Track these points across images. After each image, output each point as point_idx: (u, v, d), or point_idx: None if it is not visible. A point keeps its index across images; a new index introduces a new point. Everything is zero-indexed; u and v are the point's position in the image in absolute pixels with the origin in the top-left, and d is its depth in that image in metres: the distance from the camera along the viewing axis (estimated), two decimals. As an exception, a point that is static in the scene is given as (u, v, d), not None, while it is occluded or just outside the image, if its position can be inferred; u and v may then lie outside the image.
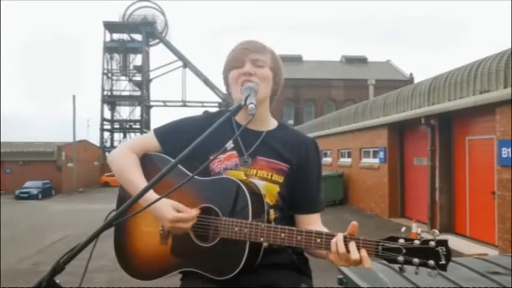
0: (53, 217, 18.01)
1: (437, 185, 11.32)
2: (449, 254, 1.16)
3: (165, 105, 52.05)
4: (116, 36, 51.64)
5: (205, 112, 1.74)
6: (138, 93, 51.72)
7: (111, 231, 1.44)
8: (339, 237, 1.25)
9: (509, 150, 8.19)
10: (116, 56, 51.79)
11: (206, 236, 1.40)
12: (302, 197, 1.54)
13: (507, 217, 8.21)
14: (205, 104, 48.88)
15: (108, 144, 49.57)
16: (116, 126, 52.60)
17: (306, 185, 1.54)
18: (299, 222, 1.54)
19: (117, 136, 52.34)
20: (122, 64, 52.18)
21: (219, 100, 48.01)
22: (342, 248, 1.23)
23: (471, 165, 10.40)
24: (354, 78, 37.61)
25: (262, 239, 1.33)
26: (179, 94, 52.24)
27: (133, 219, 1.50)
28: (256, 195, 1.41)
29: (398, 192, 14.17)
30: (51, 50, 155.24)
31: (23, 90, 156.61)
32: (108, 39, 50.77)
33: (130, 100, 52.66)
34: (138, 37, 51.44)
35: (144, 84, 51.07)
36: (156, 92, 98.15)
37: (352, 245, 1.22)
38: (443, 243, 1.17)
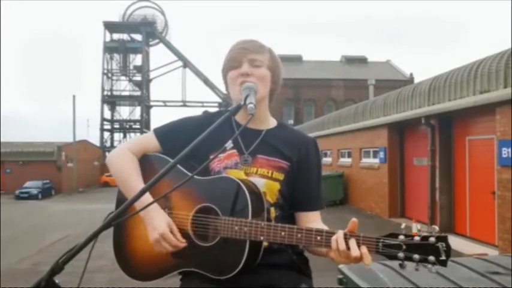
0: (53, 217, 18.01)
1: (437, 185, 11.32)
2: (449, 249, 1.16)
3: (165, 105, 52.07)
4: (116, 36, 51.68)
5: (205, 112, 1.74)
6: (138, 93, 51.74)
7: (110, 231, 1.44)
8: (339, 235, 1.25)
9: (509, 150, 8.19)
10: (116, 56, 51.80)
11: (206, 236, 1.40)
12: (302, 196, 1.54)
13: (507, 217, 8.21)
14: (205, 104, 48.94)
15: (108, 144, 49.59)
16: (116, 126, 52.62)
17: (306, 184, 1.54)
18: (299, 221, 1.54)
19: (117, 136, 52.43)
20: (122, 64, 52.19)
21: (219, 100, 48.02)
22: (342, 245, 1.23)
23: (471, 165, 10.40)
24: (354, 78, 37.61)
25: (262, 238, 1.33)
26: (179, 94, 52.33)
27: (133, 220, 1.50)
28: (256, 195, 1.41)
29: (399, 192, 14.17)
30: (51, 50, 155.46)
31: (23, 90, 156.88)
32: (108, 39, 50.80)
33: (130, 100, 52.68)
34: (138, 37, 51.46)
35: (144, 84, 51.08)
36: (156, 92, 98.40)
37: (353, 242, 1.22)
38: (443, 239, 1.17)
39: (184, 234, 1.42)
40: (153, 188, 1.22)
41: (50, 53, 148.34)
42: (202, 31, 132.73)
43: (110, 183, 35.69)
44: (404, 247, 1.18)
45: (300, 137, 1.60)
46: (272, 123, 1.60)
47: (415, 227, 8.73)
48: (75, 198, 28.59)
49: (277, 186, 1.49)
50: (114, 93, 51.91)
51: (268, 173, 1.50)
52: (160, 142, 1.57)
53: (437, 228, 1.20)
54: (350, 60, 42.96)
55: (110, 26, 50.31)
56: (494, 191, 8.95)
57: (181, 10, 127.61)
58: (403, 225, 1.25)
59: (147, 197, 1.29)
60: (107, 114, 51.36)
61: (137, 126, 51.68)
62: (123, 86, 52.69)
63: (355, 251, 1.21)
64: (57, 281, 1.06)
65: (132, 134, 50.54)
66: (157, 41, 52.42)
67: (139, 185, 1.44)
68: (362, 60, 43.37)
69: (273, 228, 1.32)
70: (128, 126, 52.94)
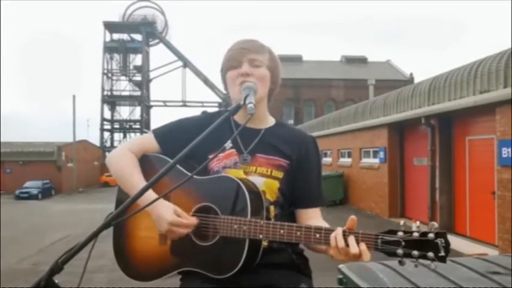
0: (53, 217, 18.02)
1: (437, 185, 11.32)
2: (448, 245, 1.16)
3: (165, 105, 52.08)
4: (116, 36, 51.71)
5: (204, 112, 1.74)
6: (138, 93, 51.75)
7: (110, 231, 1.44)
8: (338, 232, 1.25)
9: (509, 150, 8.19)
10: (116, 56, 51.82)
11: (205, 235, 1.40)
12: (302, 193, 1.54)
13: (507, 217, 8.21)
14: (205, 104, 48.97)
15: (108, 144, 49.60)
16: (116, 126, 52.64)
17: (306, 181, 1.55)
18: (299, 218, 1.54)
19: (117, 136, 52.46)
20: (122, 64, 52.21)
21: (219, 100, 48.03)
22: (341, 242, 1.23)
23: (471, 165, 10.40)
24: (354, 78, 37.60)
25: (261, 236, 1.33)
26: (179, 94, 52.34)
27: (132, 220, 1.50)
28: (255, 193, 1.41)
29: (398, 192, 14.17)
30: (51, 50, 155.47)
31: (23, 90, 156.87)
32: (108, 39, 50.83)
33: (131, 100, 52.69)
34: (138, 37, 51.48)
35: (144, 84, 51.09)
36: (156, 92, 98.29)
37: (351, 239, 1.22)
38: (442, 235, 1.16)
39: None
40: (153, 188, 1.22)
41: (50, 53, 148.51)
42: (202, 31, 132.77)
43: (110, 183, 35.70)
44: (403, 243, 1.18)
45: (299, 135, 1.60)
46: (271, 121, 1.61)
47: (415, 227, 8.68)
48: (75, 198, 28.60)
49: (276, 184, 1.49)
50: (114, 93, 51.92)
51: (267, 171, 1.50)
52: (159, 142, 1.57)
53: (436, 224, 1.19)
54: (350, 60, 42.94)
55: (110, 26, 50.32)
56: (494, 191, 8.95)
57: (181, 10, 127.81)
58: (402, 222, 1.25)
59: (150, 194, 1.29)
60: (107, 114, 51.47)
61: (137, 126, 51.69)
62: (123, 86, 52.79)
63: (354, 248, 1.21)
64: (56, 281, 1.06)
65: (132, 134, 50.56)
66: (157, 41, 52.43)
67: (142, 182, 1.44)
68: (362, 60, 43.36)
69: (272, 227, 1.32)
70: (128, 126, 52.95)
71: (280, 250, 1.48)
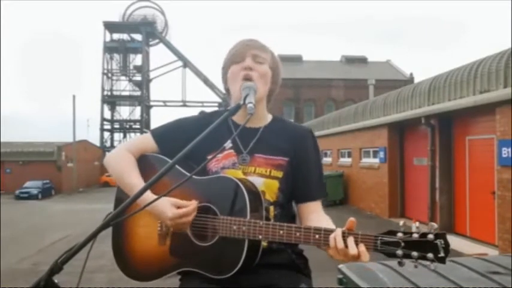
0: (53, 217, 18.01)
1: (437, 185, 11.32)
2: (448, 246, 1.16)
3: (165, 105, 52.06)
4: (116, 36, 51.66)
5: (202, 112, 1.74)
6: (138, 93, 51.72)
7: (110, 231, 1.44)
8: (337, 233, 1.24)
9: (509, 150, 8.19)
10: (116, 56, 51.78)
11: (205, 235, 1.40)
12: (302, 188, 1.54)
13: (507, 217, 8.20)
14: (205, 104, 48.91)
15: (108, 144, 49.58)
16: (116, 126, 52.60)
17: (306, 176, 1.54)
18: (301, 213, 1.55)
19: (117, 136, 52.40)
20: (122, 64, 52.17)
21: (219, 100, 48.01)
22: (340, 244, 1.22)
23: (471, 165, 10.40)
24: (354, 78, 37.58)
25: (260, 237, 1.33)
26: (179, 94, 52.33)
27: (131, 220, 1.50)
28: (254, 194, 1.41)
29: (398, 192, 14.17)
30: (51, 50, 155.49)
31: (23, 90, 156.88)
32: (108, 39, 50.78)
33: (131, 100, 52.66)
34: (138, 37, 51.44)
35: (144, 84, 51.08)
36: (156, 92, 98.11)
37: (351, 240, 1.22)
38: (442, 236, 1.16)
39: (183, 234, 1.42)
40: (151, 188, 1.21)
41: (50, 53, 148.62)
42: (202, 31, 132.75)
43: (110, 183, 35.67)
44: (402, 244, 1.18)
45: (296, 128, 1.60)
46: (268, 118, 1.60)
47: (415, 227, 8.68)
48: (75, 198, 28.59)
49: (276, 184, 1.49)
50: (114, 93, 51.89)
51: (266, 171, 1.49)
52: (157, 142, 1.57)
53: (435, 225, 1.19)
54: (350, 60, 42.92)
55: (110, 26, 50.30)
56: (494, 191, 8.95)
57: (181, 10, 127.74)
58: (401, 223, 1.25)
59: (149, 195, 1.29)
60: (107, 114, 51.41)
61: (137, 126, 51.67)
62: (123, 86, 52.74)
63: (352, 249, 1.21)
64: (56, 281, 1.06)
65: (132, 134, 50.53)
66: (157, 41, 52.40)
67: (140, 183, 1.44)
68: (362, 60, 43.34)
69: (271, 227, 1.32)
70: (128, 126, 52.92)
71: (279, 250, 1.47)
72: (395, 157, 14.15)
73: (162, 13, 52.49)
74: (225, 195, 1.40)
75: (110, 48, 50.60)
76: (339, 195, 17.45)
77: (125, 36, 51.78)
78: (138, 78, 51.91)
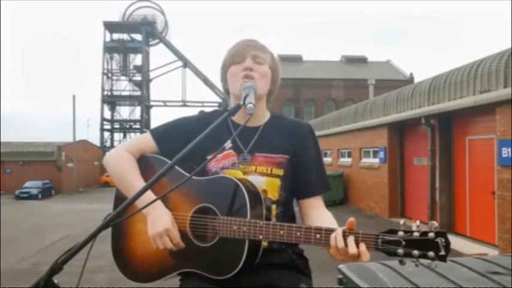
0: (53, 217, 18.01)
1: (437, 185, 11.32)
2: (448, 245, 1.16)
3: (165, 105, 52.05)
4: (116, 36, 51.66)
5: (201, 112, 1.74)
6: (138, 93, 51.72)
7: (109, 231, 1.43)
8: (338, 232, 1.24)
9: (509, 150, 8.19)
10: (116, 56, 51.78)
11: (205, 236, 1.40)
12: (303, 184, 1.54)
13: (507, 217, 8.20)
14: (205, 104, 48.89)
15: (108, 144, 49.56)
16: (116, 126, 52.60)
17: (306, 173, 1.54)
18: (303, 209, 1.55)
19: (117, 136, 52.40)
20: (122, 64, 52.17)
21: (219, 100, 48.00)
22: (340, 243, 1.22)
23: (471, 165, 10.40)
24: (354, 78, 37.59)
25: (261, 237, 1.33)
26: (179, 94, 52.31)
27: (131, 221, 1.49)
28: (254, 194, 1.40)
29: (398, 192, 14.17)
30: (51, 50, 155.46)
31: (23, 90, 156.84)
32: (108, 39, 50.78)
33: (131, 100, 52.66)
34: (138, 37, 51.44)
35: (144, 84, 51.07)
36: (156, 92, 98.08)
37: (351, 240, 1.22)
38: (442, 234, 1.16)
39: (183, 234, 1.42)
40: (151, 189, 1.21)
41: (50, 53, 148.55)
42: (202, 31, 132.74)
43: (109, 183, 35.60)
44: (403, 243, 1.18)
45: (294, 124, 1.60)
46: (267, 116, 1.60)
47: (415, 226, 8.69)
48: (75, 198, 28.59)
49: (278, 182, 1.49)
50: (114, 93, 51.89)
51: (267, 170, 1.49)
52: (157, 142, 1.56)
53: (436, 223, 1.19)
54: (350, 60, 42.91)
55: (110, 26, 50.30)
56: (494, 191, 8.95)
57: (181, 10, 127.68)
58: (401, 222, 1.25)
59: (149, 195, 1.29)
60: (107, 114, 51.41)
61: (137, 126, 51.67)
62: (123, 86, 52.74)
63: (353, 249, 1.20)
64: (56, 281, 1.06)
65: (132, 134, 50.52)
66: (157, 41, 52.40)
67: (140, 183, 1.44)
68: (362, 60, 43.33)
69: (271, 227, 1.32)
70: (128, 126, 52.92)
71: (280, 250, 1.47)
72: (395, 157, 14.15)
73: (162, 13, 52.54)
74: (225, 195, 1.39)
75: (110, 48, 50.60)
76: (339, 195, 17.45)
77: (125, 36, 51.79)
78: (138, 78, 51.91)
